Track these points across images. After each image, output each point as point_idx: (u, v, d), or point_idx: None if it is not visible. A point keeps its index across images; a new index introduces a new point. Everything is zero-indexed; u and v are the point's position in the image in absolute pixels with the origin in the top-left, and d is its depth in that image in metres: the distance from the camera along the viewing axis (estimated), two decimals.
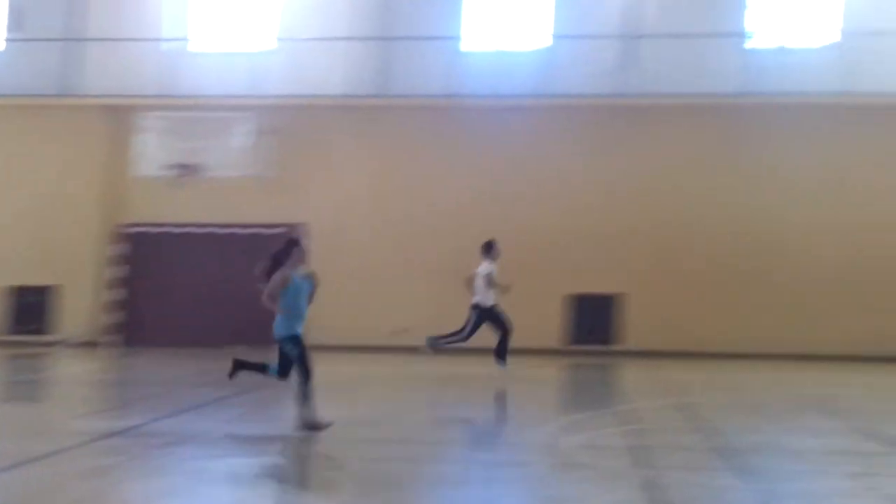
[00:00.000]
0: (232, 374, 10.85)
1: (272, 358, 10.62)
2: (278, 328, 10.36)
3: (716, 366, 18.36)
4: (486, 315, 15.74)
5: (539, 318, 20.46)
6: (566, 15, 21.68)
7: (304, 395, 10.11)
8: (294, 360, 10.27)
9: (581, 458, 9.39)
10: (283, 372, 10.51)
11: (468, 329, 15.83)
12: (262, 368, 10.76)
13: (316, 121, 21.89)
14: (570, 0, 21.81)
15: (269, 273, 10.36)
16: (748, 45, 21.48)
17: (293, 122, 21.61)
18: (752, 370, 18.10)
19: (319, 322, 21.71)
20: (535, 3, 22.10)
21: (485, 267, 15.75)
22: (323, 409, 10.18)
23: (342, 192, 21.66)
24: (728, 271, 20.77)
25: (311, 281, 10.52)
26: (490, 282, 15.65)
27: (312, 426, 10.08)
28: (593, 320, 21.09)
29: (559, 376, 18.25)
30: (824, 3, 21.44)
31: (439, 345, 16.26)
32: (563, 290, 21.16)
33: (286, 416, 10.55)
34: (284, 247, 10.48)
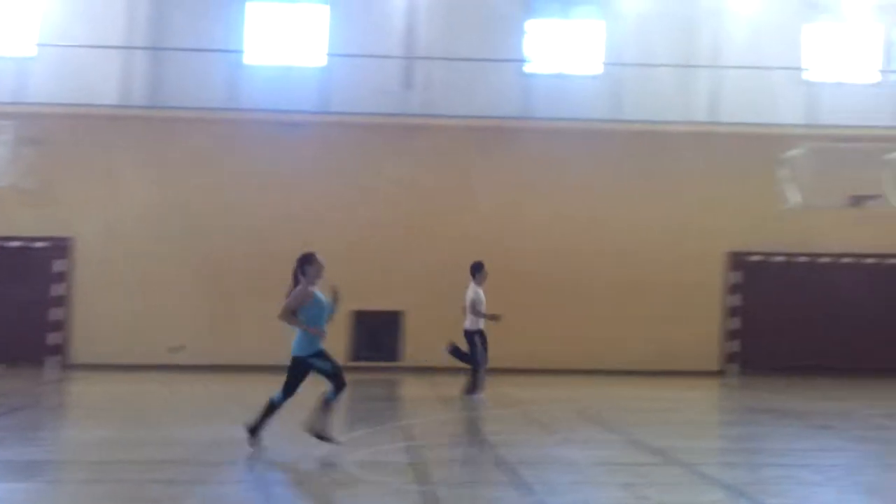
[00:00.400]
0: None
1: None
2: (299, 346, 10.22)
3: (498, 381, 18.64)
4: (468, 338, 15.45)
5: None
6: (346, 34, 21.67)
7: (328, 405, 10.19)
8: (328, 373, 10.24)
9: (362, 474, 9.29)
10: (288, 392, 10.28)
11: (475, 356, 15.47)
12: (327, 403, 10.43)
13: (87, 131, 20.89)
14: (350, 19, 21.82)
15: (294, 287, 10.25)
16: (527, 69, 22.11)
17: (60, 132, 20.54)
18: (535, 385, 18.51)
19: (91, 341, 21.22)
20: (315, 20, 21.97)
21: (470, 292, 15.50)
22: (90, 429, 9.65)
23: (115, 205, 20.75)
24: (512, 287, 21.18)
25: (334, 296, 10.39)
26: (473, 308, 15.35)
27: (323, 437, 10.20)
28: (377, 336, 21.12)
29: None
30: (591, 36, 22.35)
31: (458, 354, 15.86)
32: (347, 306, 21.01)
33: (51, 438, 9.93)
34: (298, 263, 10.34)
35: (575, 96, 21.86)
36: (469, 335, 15.55)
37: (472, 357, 15.56)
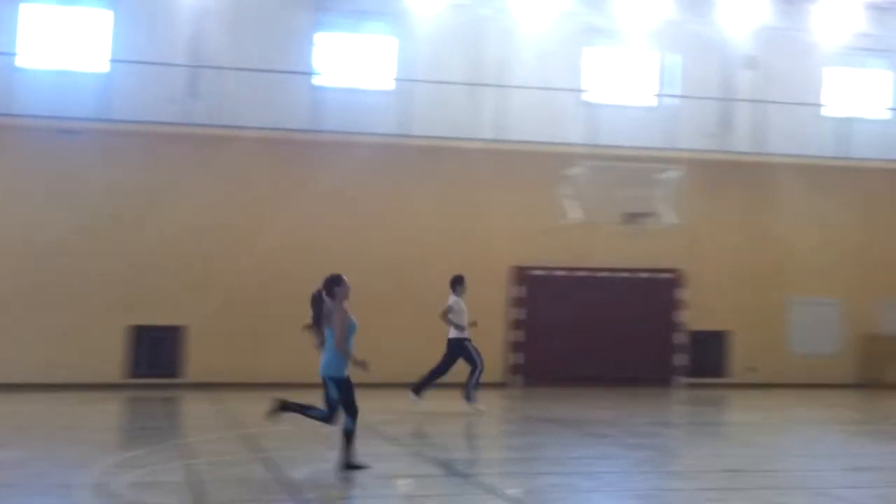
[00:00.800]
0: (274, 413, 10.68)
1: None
2: (333, 368, 10.29)
3: (281, 396, 18.34)
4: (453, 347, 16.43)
5: (98, 351, 19.63)
6: (129, 40, 20.94)
7: (349, 436, 10.13)
8: (341, 401, 10.23)
9: (134, 495, 8.94)
10: (352, 412, 10.28)
11: (473, 360, 16.43)
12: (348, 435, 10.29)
13: None
14: (134, 25, 21.10)
15: (314, 311, 10.41)
16: (316, 82, 21.99)
17: None
18: (314, 398, 18.29)
19: None
20: (97, 24, 21.13)
21: (450, 301, 16.46)
22: None
23: None
24: (288, 303, 20.92)
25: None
26: (444, 315, 16.30)
27: (353, 466, 10.06)
28: (157, 351, 20.46)
29: (119, 410, 17.40)
30: (383, 51, 22.49)
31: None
32: (124, 321, 20.31)
33: None
34: (326, 285, 10.46)
35: (366, 110, 21.88)
36: (452, 343, 16.49)
37: (444, 365, 16.60)
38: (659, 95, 23.69)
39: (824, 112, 24.20)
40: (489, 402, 19.28)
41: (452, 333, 16.50)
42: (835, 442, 14.80)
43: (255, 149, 21.07)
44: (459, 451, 12.00)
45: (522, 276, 22.02)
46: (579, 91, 23.13)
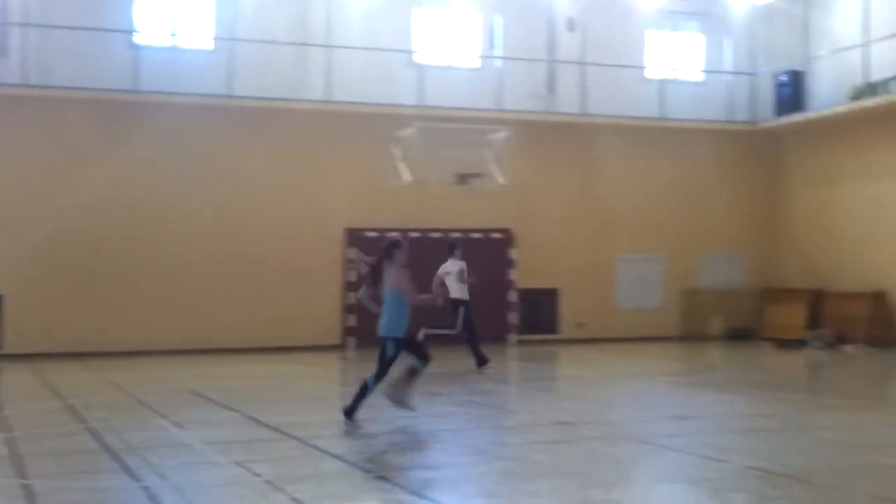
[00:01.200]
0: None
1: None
2: (394, 328, 10.64)
3: (104, 365, 17.80)
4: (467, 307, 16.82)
5: None
6: None
7: (413, 373, 10.86)
8: (385, 359, 10.66)
9: None
10: (423, 357, 10.91)
11: (464, 326, 16.90)
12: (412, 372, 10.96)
13: None
14: None
15: (374, 275, 10.81)
16: (138, 41, 21.19)
17: None
18: (140, 367, 17.84)
19: None
20: None
21: (453, 265, 16.92)
22: None
23: None
24: (112, 268, 20.29)
25: None
26: (462, 278, 16.77)
27: (350, 414, 10.76)
28: None
29: None
30: (203, 9, 21.84)
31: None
32: None
33: None
34: (386, 249, 10.76)
35: (190, 70, 21.23)
36: (462, 303, 16.85)
37: (468, 328, 17.00)
38: (484, 57, 23.84)
39: (646, 74, 24.89)
40: (325, 365, 19.23)
41: (457, 293, 16.76)
42: (660, 393, 15.34)
43: (74, 109, 20.26)
44: (293, 415, 11.83)
45: (355, 237, 21.89)
46: (409, 52, 23.07)
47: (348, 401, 10.99)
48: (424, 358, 10.95)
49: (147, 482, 8.12)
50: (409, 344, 11.01)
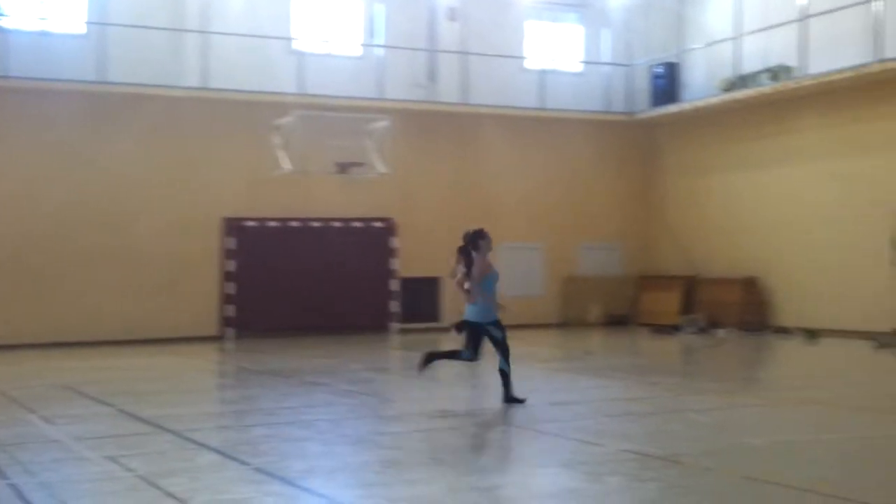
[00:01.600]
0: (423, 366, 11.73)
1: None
2: (480, 314, 11.28)
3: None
4: None
5: None
6: None
7: (507, 373, 11.28)
8: (499, 341, 11.30)
9: None
10: (475, 354, 11.47)
11: None
12: (454, 355, 11.69)
13: None
14: None
15: (466, 262, 11.34)
16: (5, 24, 20.42)
17: None
18: (9, 361, 17.25)
19: None
20: None
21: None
22: None
23: None
24: None
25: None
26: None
27: (514, 400, 11.30)
28: None
29: None
30: None
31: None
32: None
33: None
34: (473, 237, 11.42)
35: (60, 55, 20.58)
36: None
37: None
38: (365, 45, 23.73)
39: (526, 64, 25.12)
40: (204, 356, 18.90)
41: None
42: (538, 378, 15.47)
43: None
44: (168, 408, 11.59)
45: (234, 227, 21.58)
46: (289, 39, 22.80)
47: (502, 391, 11.47)
48: (475, 355, 11.53)
49: (14, 479, 7.84)
50: (478, 333, 11.45)
